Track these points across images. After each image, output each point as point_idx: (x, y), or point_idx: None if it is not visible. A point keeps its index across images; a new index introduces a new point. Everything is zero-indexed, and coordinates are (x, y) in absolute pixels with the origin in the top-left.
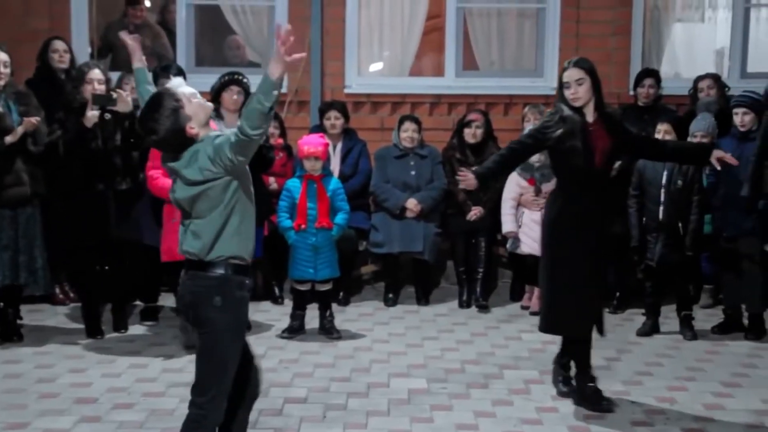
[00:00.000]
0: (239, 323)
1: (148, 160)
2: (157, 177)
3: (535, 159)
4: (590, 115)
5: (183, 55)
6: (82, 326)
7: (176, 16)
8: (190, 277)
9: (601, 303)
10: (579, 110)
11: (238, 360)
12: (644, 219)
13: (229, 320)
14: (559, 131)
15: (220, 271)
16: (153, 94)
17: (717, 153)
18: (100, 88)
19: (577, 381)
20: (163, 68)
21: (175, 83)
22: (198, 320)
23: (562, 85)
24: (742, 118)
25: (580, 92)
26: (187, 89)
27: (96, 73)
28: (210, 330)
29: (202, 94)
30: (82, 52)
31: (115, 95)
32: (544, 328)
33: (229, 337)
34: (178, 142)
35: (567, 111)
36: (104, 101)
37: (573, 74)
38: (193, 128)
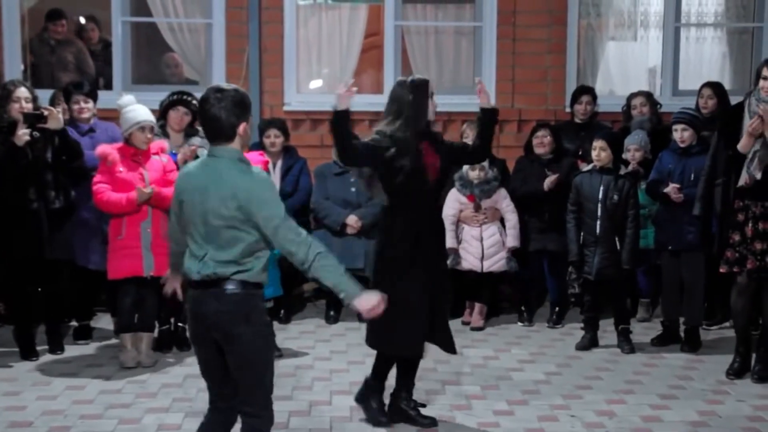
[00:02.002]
0: (269, 328)
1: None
2: (104, 191)
3: (475, 175)
4: (422, 134)
5: (119, 73)
6: (15, 348)
7: (112, 34)
8: (213, 297)
9: (442, 323)
10: (425, 126)
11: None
12: (582, 234)
13: (260, 329)
14: (392, 152)
15: (241, 286)
16: None
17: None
18: (28, 107)
19: (397, 400)
20: (75, 85)
21: (126, 101)
22: (230, 337)
23: (426, 97)
24: (681, 134)
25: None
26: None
27: (22, 91)
28: (245, 342)
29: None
30: (15, 70)
31: (46, 112)
32: (370, 342)
33: (263, 343)
34: None
35: (398, 131)
36: (35, 119)
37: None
38: None
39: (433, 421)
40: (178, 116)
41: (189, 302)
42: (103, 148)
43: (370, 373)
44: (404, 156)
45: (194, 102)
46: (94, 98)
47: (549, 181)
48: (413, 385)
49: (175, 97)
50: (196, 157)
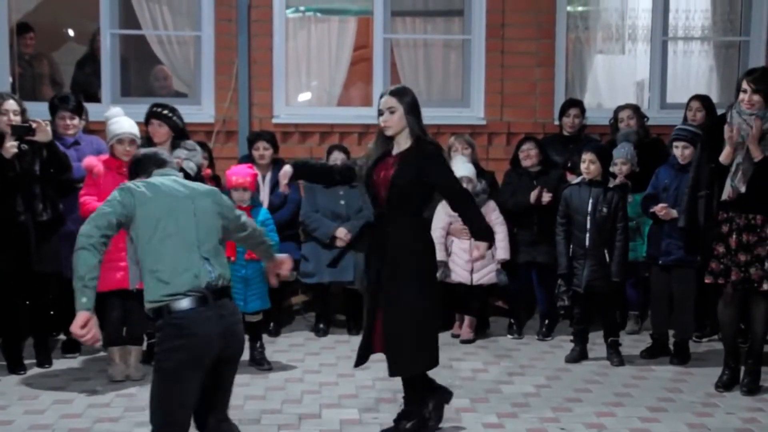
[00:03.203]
0: None
1: (82, 188)
2: (90, 202)
3: None
4: (401, 146)
5: (108, 85)
6: (3, 362)
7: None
8: (234, 309)
9: (393, 338)
10: (388, 140)
11: None
12: (571, 246)
13: None
14: (362, 163)
15: None
16: None
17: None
18: (16, 119)
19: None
20: (61, 99)
21: (113, 113)
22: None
23: (378, 113)
24: (682, 151)
25: (390, 120)
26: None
27: (11, 104)
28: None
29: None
30: (3, 82)
31: (34, 125)
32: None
33: None
34: None
35: (372, 145)
36: (23, 131)
37: (387, 102)
38: None
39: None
40: (153, 129)
41: (210, 317)
42: (89, 161)
43: (405, 404)
44: (365, 167)
45: (170, 114)
46: (80, 113)
47: (535, 194)
48: (422, 406)
49: (148, 110)
50: (182, 169)
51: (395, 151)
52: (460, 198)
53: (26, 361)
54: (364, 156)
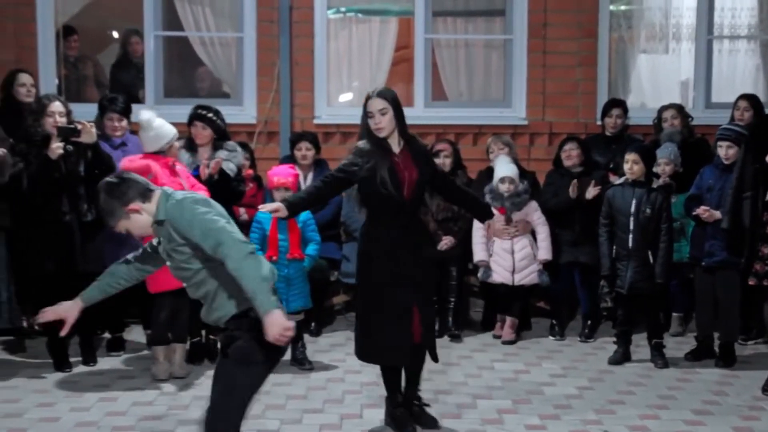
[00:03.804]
0: None
1: None
2: None
3: (505, 188)
4: (396, 146)
5: (151, 87)
6: (50, 359)
7: (144, 48)
8: None
9: (429, 328)
10: (383, 141)
11: None
12: (614, 247)
13: None
14: (367, 165)
15: None
16: None
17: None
18: (62, 121)
19: (386, 404)
20: (110, 100)
21: (149, 116)
22: None
23: (366, 116)
24: (726, 151)
25: (383, 122)
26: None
27: (57, 106)
28: None
29: (172, 125)
30: (50, 84)
31: (79, 126)
32: (360, 355)
33: None
34: None
35: (368, 145)
36: (68, 132)
37: (376, 104)
38: None
39: (434, 422)
40: (196, 131)
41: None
42: (142, 161)
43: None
44: (378, 169)
45: (213, 117)
46: (128, 114)
47: (573, 188)
48: (418, 390)
49: (192, 112)
50: (221, 170)
51: (395, 150)
52: (456, 188)
53: (72, 359)
54: (354, 156)
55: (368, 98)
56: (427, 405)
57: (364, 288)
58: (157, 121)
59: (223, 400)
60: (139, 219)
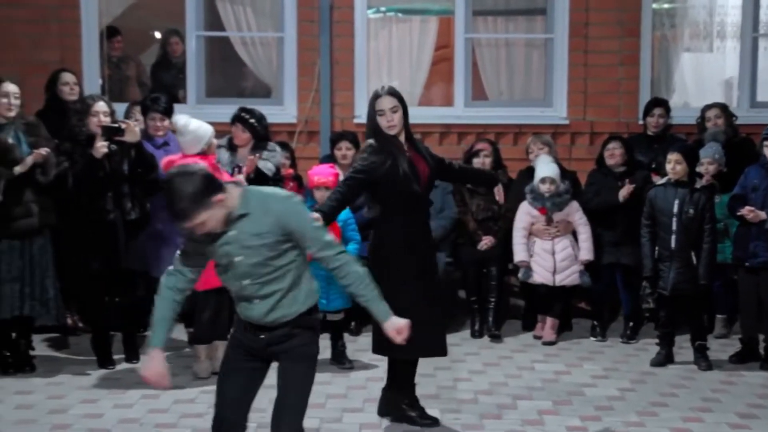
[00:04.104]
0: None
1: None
2: None
3: (546, 188)
4: (404, 143)
5: (193, 86)
6: (93, 357)
7: (184, 48)
8: None
9: (440, 323)
10: (394, 138)
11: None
12: (657, 248)
13: None
14: (388, 162)
15: None
16: None
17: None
18: (106, 120)
19: (389, 395)
20: (153, 100)
21: (185, 119)
22: None
23: (375, 114)
24: None
25: (395, 120)
26: None
27: (101, 105)
28: None
29: (213, 124)
30: (93, 84)
31: (123, 126)
32: (376, 350)
33: None
34: None
35: (381, 143)
36: (113, 132)
37: (387, 102)
38: None
39: (434, 422)
40: (236, 132)
41: None
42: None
43: (387, 384)
44: (396, 165)
45: (254, 123)
46: (170, 114)
47: (624, 192)
48: (413, 387)
49: (234, 114)
50: (258, 170)
51: (405, 147)
52: (455, 168)
53: (114, 357)
54: (369, 155)
55: (378, 96)
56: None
57: (384, 283)
58: (193, 123)
59: (302, 401)
60: (220, 211)
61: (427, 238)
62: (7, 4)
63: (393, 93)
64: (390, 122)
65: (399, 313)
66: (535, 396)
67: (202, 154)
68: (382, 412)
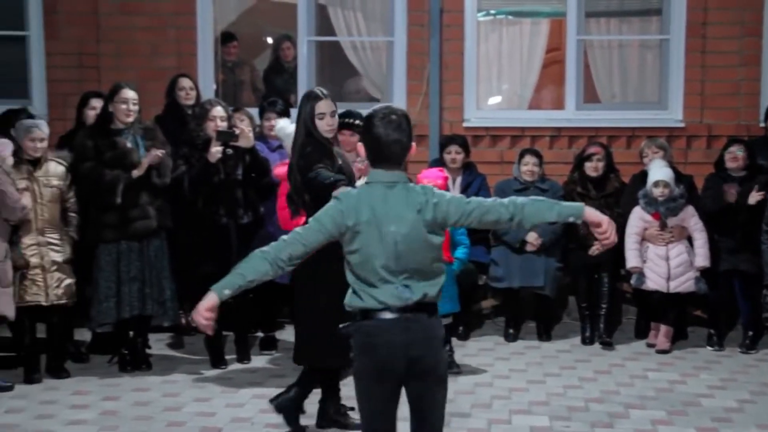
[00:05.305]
0: None
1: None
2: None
3: (659, 193)
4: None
5: (304, 91)
6: (207, 356)
7: (296, 53)
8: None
9: None
10: (329, 142)
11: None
12: None
13: None
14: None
15: None
16: None
17: None
18: (223, 125)
19: (325, 406)
20: (270, 103)
21: (284, 123)
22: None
23: (314, 117)
24: None
25: (335, 123)
26: None
27: (218, 111)
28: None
29: None
30: (208, 89)
31: (237, 131)
32: (298, 360)
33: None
34: None
35: (310, 146)
36: (227, 137)
37: (329, 106)
38: None
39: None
40: (345, 138)
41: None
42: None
43: (297, 386)
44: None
45: (357, 123)
46: (286, 116)
47: (733, 193)
48: (338, 392)
49: (339, 120)
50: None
51: None
52: None
53: (227, 357)
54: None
55: (318, 98)
56: (351, 409)
57: (304, 291)
58: (290, 128)
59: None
60: None
61: None
62: (126, 12)
63: (332, 97)
64: (330, 126)
65: (318, 312)
66: (648, 405)
67: None
68: (321, 424)
